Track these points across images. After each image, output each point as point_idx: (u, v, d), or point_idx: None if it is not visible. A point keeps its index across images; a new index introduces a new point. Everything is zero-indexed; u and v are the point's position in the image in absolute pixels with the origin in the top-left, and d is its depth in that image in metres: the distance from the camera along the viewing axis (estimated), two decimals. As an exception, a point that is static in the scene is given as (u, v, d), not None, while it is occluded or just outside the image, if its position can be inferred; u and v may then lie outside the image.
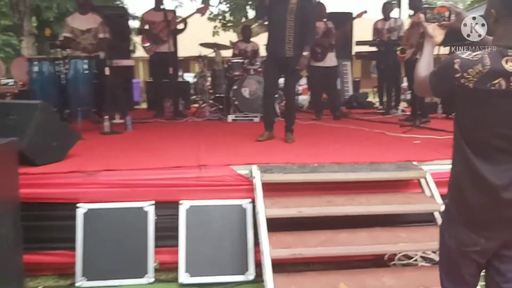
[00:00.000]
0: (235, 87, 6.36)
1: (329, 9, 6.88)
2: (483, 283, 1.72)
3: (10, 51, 18.79)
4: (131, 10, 14.52)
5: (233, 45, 8.05)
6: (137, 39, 11.80)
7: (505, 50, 1.50)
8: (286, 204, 2.98)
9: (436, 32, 1.88)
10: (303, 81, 9.03)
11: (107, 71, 4.93)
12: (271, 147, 4.14)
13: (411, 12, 6.35)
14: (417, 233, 2.95)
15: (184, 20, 6.34)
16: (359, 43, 8.06)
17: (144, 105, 9.97)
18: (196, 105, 7.73)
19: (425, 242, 2.86)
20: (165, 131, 5.34)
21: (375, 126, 5.48)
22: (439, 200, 3.01)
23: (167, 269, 3.06)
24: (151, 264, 2.99)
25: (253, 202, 3.04)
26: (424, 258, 3.10)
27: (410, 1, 6.08)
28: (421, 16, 1.91)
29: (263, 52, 5.73)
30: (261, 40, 7.26)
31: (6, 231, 2.58)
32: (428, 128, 5.12)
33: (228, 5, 14.86)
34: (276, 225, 2.89)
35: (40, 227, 3.06)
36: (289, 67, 4.34)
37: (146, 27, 6.34)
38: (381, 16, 7.02)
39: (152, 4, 6.37)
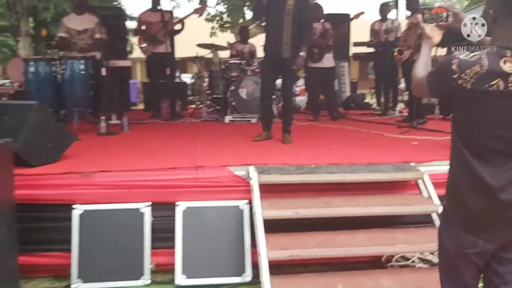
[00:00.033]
0: (232, 88, 6.35)
1: (326, 11, 6.88)
2: (481, 284, 1.71)
3: (7, 52, 18.76)
4: (128, 11, 14.49)
5: (230, 46, 8.04)
6: (134, 39, 11.77)
7: (503, 50, 1.49)
8: (283, 205, 2.97)
9: (434, 33, 1.87)
10: (301, 82, 9.02)
11: (103, 71, 4.91)
12: (268, 148, 4.12)
13: (409, 13, 6.35)
14: (415, 235, 2.94)
15: (181, 21, 6.33)
16: (357, 44, 8.07)
17: (141, 106, 9.95)
18: (194, 106, 7.71)
19: (422, 244, 2.85)
20: (162, 132, 5.32)
21: (372, 127, 5.47)
22: (436, 201, 3.01)
23: (164, 271, 3.04)
24: (148, 265, 2.97)
25: (250, 203, 3.03)
26: (422, 260, 3.09)
27: (408, 2, 6.08)
28: (419, 16, 1.91)
29: (260, 53, 5.72)
30: (258, 41, 7.25)
31: (1, 232, 2.56)
32: (426, 129, 5.12)
33: (225, 6, 14.86)
34: (273, 226, 2.88)
35: (36, 229, 3.04)
36: (286, 68, 4.33)
37: (143, 27, 6.32)
38: (378, 17, 7.02)
39: (149, 5, 6.36)
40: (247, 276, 2.96)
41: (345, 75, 9.04)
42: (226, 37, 14.55)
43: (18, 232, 2.77)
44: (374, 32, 6.99)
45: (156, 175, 3.17)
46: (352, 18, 6.91)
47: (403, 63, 5.70)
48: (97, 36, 5.37)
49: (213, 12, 15.05)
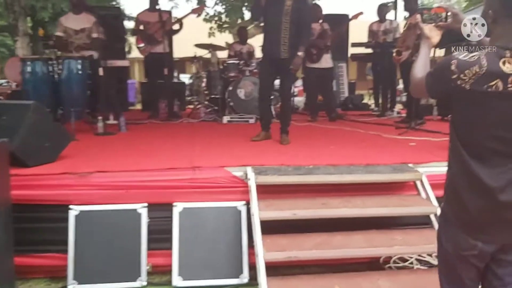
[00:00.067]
0: (230, 88, 6.34)
1: (325, 11, 6.87)
2: (480, 286, 1.70)
3: (4, 51, 18.73)
4: (127, 11, 14.49)
5: (229, 46, 8.03)
6: (132, 39, 11.76)
7: (503, 51, 1.48)
8: (281, 206, 2.96)
9: (433, 33, 1.86)
10: (299, 82, 9.01)
11: (101, 71, 4.89)
12: (266, 148, 4.11)
13: (407, 14, 6.35)
14: (413, 236, 2.93)
15: (179, 21, 6.31)
16: (355, 44, 8.06)
17: (139, 106, 9.93)
18: (192, 106, 7.70)
19: (420, 245, 2.84)
20: (159, 132, 5.30)
21: (370, 128, 5.46)
22: (434, 202, 3.00)
23: (160, 272, 3.04)
24: (144, 267, 2.95)
25: (248, 204, 3.02)
26: (420, 261, 3.08)
27: (406, 3, 6.07)
28: (418, 16, 1.90)
29: (258, 53, 5.70)
30: (257, 41, 7.24)
31: (-3, 233, 2.55)
32: (424, 130, 5.12)
33: (224, 7, 14.85)
34: (270, 227, 2.87)
35: (32, 229, 3.03)
36: (285, 68, 4.32)
37: (141, 27, 6.30)
38: (376, 18, 7.01)
39: (147, 5, 6.34)
40: (245, 278, 2.94)
41: (343, 75, 9.03)
42: (225, 38, 14.53)
43: (14, 232, 2.75)
44: (372, 33, 6.98)
45: (153, 176, 3.15)
46: (351, 19, 6.89)
47: (402, 64, 5.69)
48: (94, 35, 5.35)
49: (211, 13, 15.07)
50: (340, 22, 7.16)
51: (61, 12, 12.79)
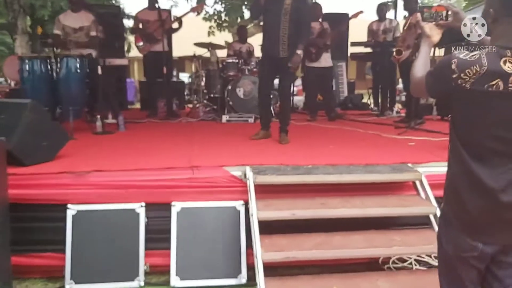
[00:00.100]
0: (229, 87, 6.32)
1: (325, 10, 6.85)
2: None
3: (4, 50, 18.67)
4: (126, 9, 14.46)
5: (228, 45, 8.01)
6: (132, 38, 11.75)
7: (503, 50, 1.46)
8: (279, 206, 2.94)
9: (433, 32, 1.84)
10: (298, 81, 8.99)
11: (99, 70, 4.87)
12: (265, 148, 4.10)
13: (406, 13, 6.33)
14: (412, 236, 2.92)
15: (179, 19, 6.29)
16: (354, 44, 8.03)
17: (138, 105, 9.91)
18: (191, 105, 7.68)
19: (419, 246, 2.82)
20: (158, 131, 5.28)
21: (370, 128, 5.44)
22: (434, 202, 2.98)
23: (158, 272, 3.02)
24: (142, 267, 2.94)
25: (246, 204, 3.00)
26: (419, 262, 3.06)
27: (405, 3, 6.06)
28: (418, 15, 1.88)
29: (258, 53, 5.68)
30: (256, 40, 7.22)
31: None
32: (423, 130, 5.10)
33: (223, 5, 14.82)
34: (269, 227, 2.86)
35: (29, 229, 3.01)
36: (284, 67, 4.31)
37: (140, 26, 6.28)
38: (376, 17, 6.99)
39: (146, 3, 6.32)
40: (243, 278, 2.93)
41: (343, 75, 9.01)
42: (224, 37, 14.51)
43: (11, 232, 2.73)
44: (372, 32, 6.97)
45: (151, 175, 3.13)
46: (351, 17, 6.87)
47: (402, 63, 5.68)
48: (93, 34, 5.32)
49: (211, 11, 15.03)
50: (340, 21, 7.14)
51: (60, 10, 12.73)
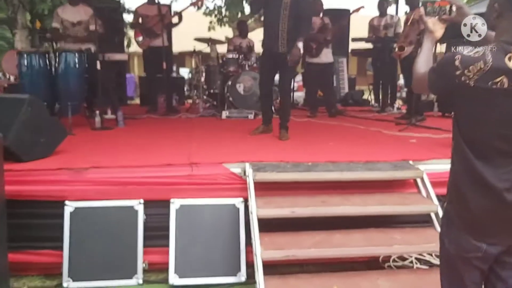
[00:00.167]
0: (229, 83, 6.28)
1: (326, 5, 6.80)
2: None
3: (3, 44, 18.59)
4: (126, 4, 14.39)
5: (229, 40, 7.97)
6: (132, 33, 11.70)
7: (508, 46, 1.44)
8: (279, 204, 2.91)
9: (436, 27, 1.81)
10: (299, 77, 8.95)
11: (98, 65, 4.83)
12: (265, 144, 4.07)
13: (408, 8, 6.27)
14: (413, 235, 2.89)
15: (179, 14, 6.25)
16: (355, 39, 7.99)
17: (138, 100, 9.88)
18: (190, 101, 7.64)
19: (420, 244, 2.79)
20: (157, 127, 5.26)
21: (370, 124, 5.41)
22: (435, 200, 2.96)
23: (157, 270, 2.99)
24: (140, 264, 2.91)
25: (246, 201, 2.98)
26: (419, 260, 3.03)
27: (407, -2, 6.00)
28: (421, 9, 1.85)
29: (258, 48, 5.64)
30: (257, 35, 7.17)
31: (-10, 229, 2.50)
32: (424, 127, 5.06)
33: (224, 0, 14.74)
34: (269, 225, 2.83)
35: (26, 226, 2.98)
36: (283, 63, 4.28)
37: (140, 20, 6.24)
38: (377, 13, 6.95)
39: (146, -2, 6.28)
40: (242, 276, 2.91)
41: (343, 71, 8.97)
42: (225, 32, 14.45)
43: (8, 229, 2.70)
44: (372, 27, 6.92)
45: (150, 172, 3.11)
46: (352, 13, 6.82)
47: (403, 59, 5.64)
48: (92, 28, 5.27)
49: (211, 6, 14.96)
50: (341, 16, 7.10)
51: (60, 5, 12.68)
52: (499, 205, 1.48)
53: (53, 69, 4.89)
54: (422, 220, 3.09)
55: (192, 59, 7.64)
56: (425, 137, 4.44)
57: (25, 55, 4.83)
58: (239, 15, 14.14)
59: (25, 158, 3.14)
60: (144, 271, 2.93)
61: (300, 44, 4.21)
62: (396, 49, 5.56)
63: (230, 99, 6.27)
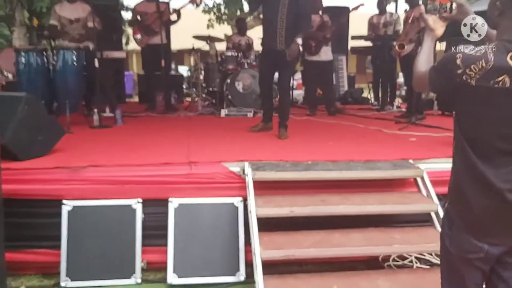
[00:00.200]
0: (228, 81, 6.26)
1: (325, 3, 6.77)
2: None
3: (2, 42, 18.54)
4: (125, 2, 14.33)
5: (227, 38, 7.94)
6: (130, 30, 11.66)
7: (510, 45, 1.42)
8: (279, 203, 2.90)
9: (437, 25, 1.79)
10: (298, 75, 8.92)
11: (96, 63, 4.80)
12: (264, 143, 4.05)
13: (407, 7, 6.25)
14: (413, 234, 2.88)
15: (177, 11, 6.21)
16: (355, 37, 7.96)
17: (137, 98, 9.85)
18: (189, 99, 7.61)
19: (421, 244, 2.78)
20: (156, 125, 5.23)
21: (370, 123, 5.39)
22: (435, 200, 2.94)
23: (155, 269, 2.99)
24: (139, 264, 2.90)
25: (245, 200, 2.96)
26: (419, 259, 3.02)
27: (407, -4, 5.98)
28: (422, 7, 1.83)
29: (257, 46, 5.62)
30: (256, 33, 7.15)
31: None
32: (424, 125, 5.04)
33: (223, -2, 14.72)
34: (268, 224, 2.81)
35: (24, 225, 2.97)
36: (282, 61, 4.26)
37: (138, 18, 6.21)
38: (377, 11, 6.92)
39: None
40: (241, 275, 2.90)
41: (343, 69, 8.94)
42: (224, 29, 14.42)
43: (5, 228, 2.68)
44: (372, 25, 6.90)
45: (148, 171, 3.09)
46: (351, 10, 6.79)
47: (403, 57, 5.62)
48: (90, 25, 5.23)
49: (210, 4, 14.93)
50: (341, 14, 7.06)
51: (58, 2, 12.64)
52: (501, 205, 1.46)
53: (51, 67, 4.86)
54: (422, 220, 3.07)
55: (191, 57, 7.61)
56: (425, 135, 4.42)
57: (23, 53, 4.79)
58: (238, 12, 14.10)
59: (22, 157, 3.12)
60: (143, 270, 2.92)
61: (299, 40, 4.19)
62: (396, 47, 5.54)
63: (229, 97, 6.25)
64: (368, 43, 7.48)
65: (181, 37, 9.33)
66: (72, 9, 5.34)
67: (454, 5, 1.78)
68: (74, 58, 4.80)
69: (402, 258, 3.02)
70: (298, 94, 8.84)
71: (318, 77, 6.49)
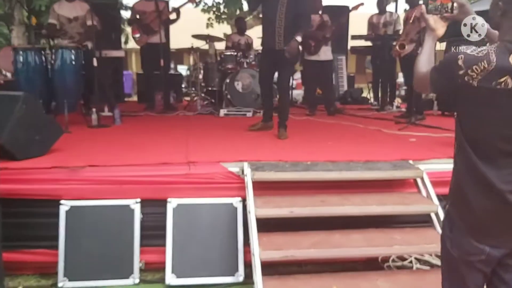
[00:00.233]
0: (227, 80, 6.24)
1: (325, 2, 6.75)
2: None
3: (1, 41, 18.51)
4: (124, 0, 14.29)
5: (227, 37, 7.92)
6: (129, 29, 11.63)
7: (513, 45, 1.40)
8: (278, 203, 2.88)
9: (438, 25, 1.78)
10: (297, 75, 8.90)
11: (95, 62, 4.78)
12: (263, 143, 4.03)
13: (407, 6, 6.24)
14: (413, 235, 2.86)
15: (176, 10, 6.19)
16: (355, 37, 7.94)
17: (135, 97, 9.83)
18: (188, 98, 7.59)
19: (421, 245, 2.77)
20: (154, 125, 5.21)
21: (369, 123, 5.38)
22: (435, 200, 2.93)
23: (154, 269, 2.97)
24: (137, 264, 2.89)
25: (244, 200, 2.95)
26: (419, 260, 3.01)
27: (407, -4, 5.96)
28: (423, 7, 1.81)
29: (256, 45, 5.60)
30: (255, 32, 7.13)
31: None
32: (424, 126, 5.03)
33: (222, -3, 14.69)
34: (267, 225, 2.80)
35: (21, 225, 2.95)
36: (281, 60, 4.25)
37: (137, 17, 6.18)
38: (376, 10, 6.91)
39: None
40: (240, 276, 2.88)
41: (342, 68, 8.92)
42: (223, 29, 14.39)
43: (3, 227, 2.66)
44: (372, 25, 6.89)
45: (147, 171, 3.08)
46: (351, 10, 6.77)
47: (403, 57, 5.61)
48: (89, 23, 5.20)
49: (209, 3, 14.90)
50: (340, 13, 7.05)
51: (57, 1, 12.61)
52: (502, 207, 1.45)
53: (49, 66, 4.84)
54: (422, 220, 3.06)
55: (190, 56, 7.58)
56: (425, 136, 4.41)
57: (21, 52, 4.78)
58: (238, 12, 14.07)
59: (19, 157, 3.10)
60: (141, 270, 2.91)
61: (299, 38, 4.17)
62: (397, 47, 5.52)
63: (228, 96, 6.23)
64: (368, 43, 7.47)
65: (180, 36, 9.32)
66: (70, 7, 5.32)
67: (455, 5, 1.76)
68: (73, 57, 4.78)
69: (402, 259, 3.01)
70: (298, 94, 8.82)
71: (317, 77, 6.47)
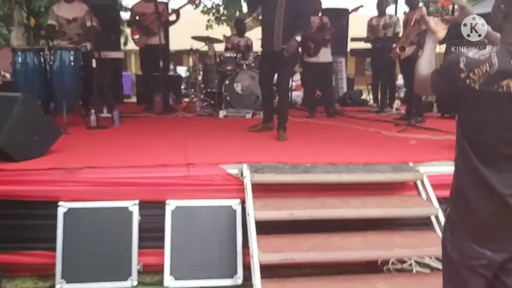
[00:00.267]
0: (227, 82, 6.23)
1: (325, 4, 6.75)
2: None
3: (1, 42, 18.51)
4: (124, 2, 14.28)
5: (226, 39, 7.91)
6: (129, 31, 11.62)
7: (515, 48, 1.39)
8: (277, 206, 2.87)
9: (439, 27, 1.77)
10: (297, 76, 8.90)
11: (94, 63, 4.77)
12: (263, 145, 4.02)
13: (407, 9, 6.24)
14: (413, 238, 2.85)
15: (176, 12, 6.19)
16: (354, 39, 7.94)
17: (135, 99, 9.82)
18: (188, 99, 7.58)
19: (421, 248, 2.76)
20: (153, 126, 5.20)
21: (369, 125, 5.37)
22: (435, 203, 2.92)
23: (152, 272, 2.95)
24: (135, 266, 2.87)
25: (243, 202, 2.93)
26: (419, 263, 3.00)
27: (407, -2, 5.96)
28: (423, 9, 1.80)
29: (256, 47, 5.59)
30: (255, 34, 7.12)
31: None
32: (424, 128, 5.02)
33: (222, -1, 14.71)
34: (266, 227, 2.79)
35: (19, 226, 2.94)
36: (280, 61, 4.24)
37: (137, 18, 6.18)
38: (376, 13, 6.91)
39: (143, -5, 6.21)
40: (239, 278, 2.87)
41: (342, 70, 8.93)
42: (223, 30, 14.39)
43: (0, 229, 2.66)
44: (371, 27, 6.88)
45: (145, 172, 3.06)
46: (351, 12, 6.77)
47: (403, 59, 5.60)
48: (88, 24, 5.19)
49: (209, 5, 14.92)
50: (340, 15, 7.05)
51: (57, 2, 12.60)
52: (504, 211, 1.44)
53: (48, 67, 4.82)
54: (422, 223, 3.05)
55: (190, 58, 7.57)
56: (425, 138, 4.39)
57: (19, 53, 4.76)
58: (237, 13, 14.09)
59: (17, 158, 3.08)
60: (139, 273, 2.89)
61: (298, 38, 4.17)
62: (397, 49, 5.52)
63: (228, 98, 6.22)
64: (368, 45, 7.46)
65: (180, 37, 9.31)
66: (69, 8, 5.31)
67: (456, 7, 1.75)
68: (72, 58, 4.76)
69: (401, 261, 2.99)
70: (297, 95, 8.82)
71: (317, 79, 6.47)
